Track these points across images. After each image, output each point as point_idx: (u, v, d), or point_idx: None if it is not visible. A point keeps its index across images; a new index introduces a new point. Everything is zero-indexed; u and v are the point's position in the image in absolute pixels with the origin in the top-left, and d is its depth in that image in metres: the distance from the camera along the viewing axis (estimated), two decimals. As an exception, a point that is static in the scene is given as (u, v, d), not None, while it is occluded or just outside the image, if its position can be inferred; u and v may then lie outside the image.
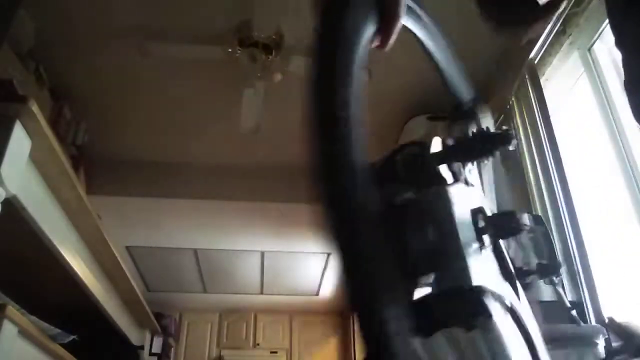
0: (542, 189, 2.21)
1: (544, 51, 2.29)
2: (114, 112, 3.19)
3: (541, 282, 1.94)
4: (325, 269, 4.64)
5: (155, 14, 2.49)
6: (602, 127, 1.95)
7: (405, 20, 0.50)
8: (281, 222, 3.81)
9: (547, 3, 0.58)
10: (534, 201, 2.27)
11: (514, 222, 0.46)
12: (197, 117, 3.21)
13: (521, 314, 0.45)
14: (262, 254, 4.42)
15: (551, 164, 2.18)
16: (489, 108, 0.55)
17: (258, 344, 5.41)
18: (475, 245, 0.45)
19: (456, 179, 0.49)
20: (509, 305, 0.44)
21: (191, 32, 2.56)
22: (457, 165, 0.50)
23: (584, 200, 2.12)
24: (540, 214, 2.21)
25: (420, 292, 0.43)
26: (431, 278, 0.43)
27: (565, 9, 2.07)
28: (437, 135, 0.52)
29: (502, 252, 0.50)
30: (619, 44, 0.62)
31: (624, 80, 0.61)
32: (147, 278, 4.78)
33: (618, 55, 0.63)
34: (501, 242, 0.50)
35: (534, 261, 1.98)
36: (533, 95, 2.37)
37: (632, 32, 0.59)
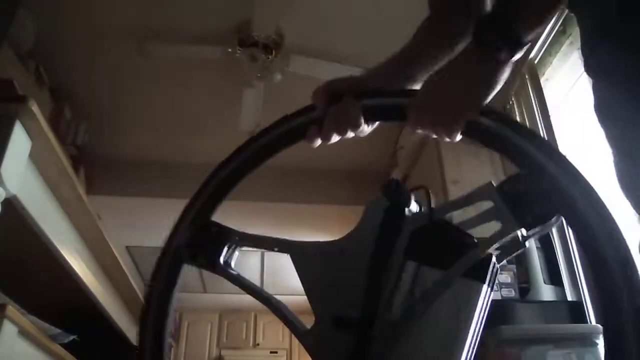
0: (542, 189, 2.21)
1: (544, 51, 2.29)
2: (114, 112, 3.19)
3: (541, 282, 1.94)
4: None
5: (155, 14, 2.49)
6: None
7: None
8: (281, 222, 3.81)
9: None
10: (534, 201, 2.27)
11: None
12: (197, 117, 3.21)
13: None
14: (262, 253, 4.41)
15: (551, 164, 2.18)
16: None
17: (258, 344, 5.41)
18: None
19: None
20: None
21: (191, 32, 2.56)
22: None
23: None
24: (540, 214, 2.21)
25: None
26: None
27: (565, 9, 2.07)
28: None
29: None
30: (587, 70, 0.68)
31: (593, 104, 0.68)
32: (147, 278, 4.76)
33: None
34: None
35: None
36: (533, 95, 2.37)
37: (599, 59, 0.65)
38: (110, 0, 2.41)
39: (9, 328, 1.37)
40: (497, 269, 0.61)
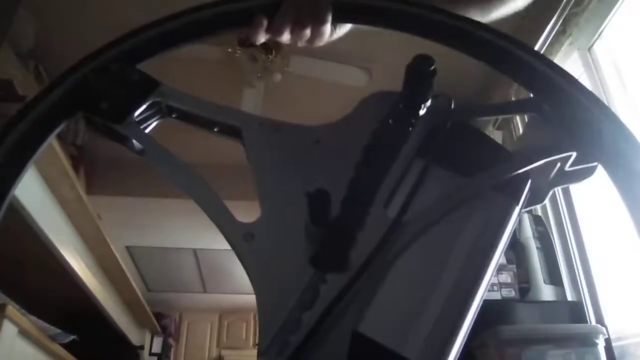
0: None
1: (544, 51, 2.28)
2: (114, 112, 3.19)
3: (541, 282, 1.94)
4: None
5: (155, 13, 2.49)
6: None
7: None
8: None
9: None
10: (534, 201, 2.26)
11: None
12: (197, 117, 3.21)
13: None
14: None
15: (551, 164, 2.18)
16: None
17: (258, 344, 5.42)
18: None
19: None
20: None
21: (191, 32, 2.56)
22: None
23: (584, 199, 2.12)
24: (540, 214, 2.21)
25: None
26: None
27: (565, 9, 2.07)
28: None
29: None
30: None
31: None
32: (147, 278, 4.78)
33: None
34: None
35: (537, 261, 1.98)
36: (533, 95, 2.37)
37: None
38: (110, 0, 2.41)
39: (9, 328, 1.37)
40: (529, 194, 0.50)
